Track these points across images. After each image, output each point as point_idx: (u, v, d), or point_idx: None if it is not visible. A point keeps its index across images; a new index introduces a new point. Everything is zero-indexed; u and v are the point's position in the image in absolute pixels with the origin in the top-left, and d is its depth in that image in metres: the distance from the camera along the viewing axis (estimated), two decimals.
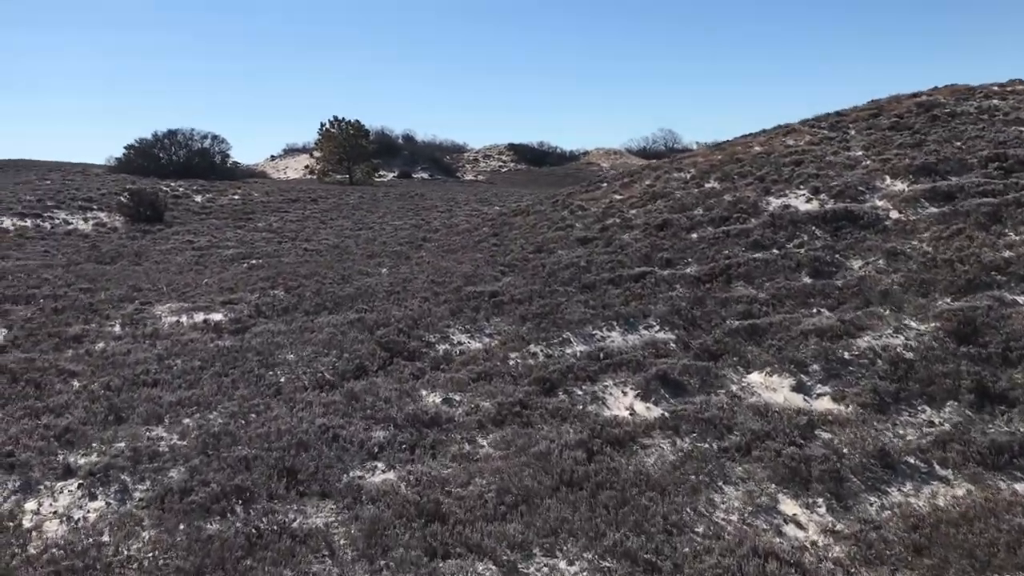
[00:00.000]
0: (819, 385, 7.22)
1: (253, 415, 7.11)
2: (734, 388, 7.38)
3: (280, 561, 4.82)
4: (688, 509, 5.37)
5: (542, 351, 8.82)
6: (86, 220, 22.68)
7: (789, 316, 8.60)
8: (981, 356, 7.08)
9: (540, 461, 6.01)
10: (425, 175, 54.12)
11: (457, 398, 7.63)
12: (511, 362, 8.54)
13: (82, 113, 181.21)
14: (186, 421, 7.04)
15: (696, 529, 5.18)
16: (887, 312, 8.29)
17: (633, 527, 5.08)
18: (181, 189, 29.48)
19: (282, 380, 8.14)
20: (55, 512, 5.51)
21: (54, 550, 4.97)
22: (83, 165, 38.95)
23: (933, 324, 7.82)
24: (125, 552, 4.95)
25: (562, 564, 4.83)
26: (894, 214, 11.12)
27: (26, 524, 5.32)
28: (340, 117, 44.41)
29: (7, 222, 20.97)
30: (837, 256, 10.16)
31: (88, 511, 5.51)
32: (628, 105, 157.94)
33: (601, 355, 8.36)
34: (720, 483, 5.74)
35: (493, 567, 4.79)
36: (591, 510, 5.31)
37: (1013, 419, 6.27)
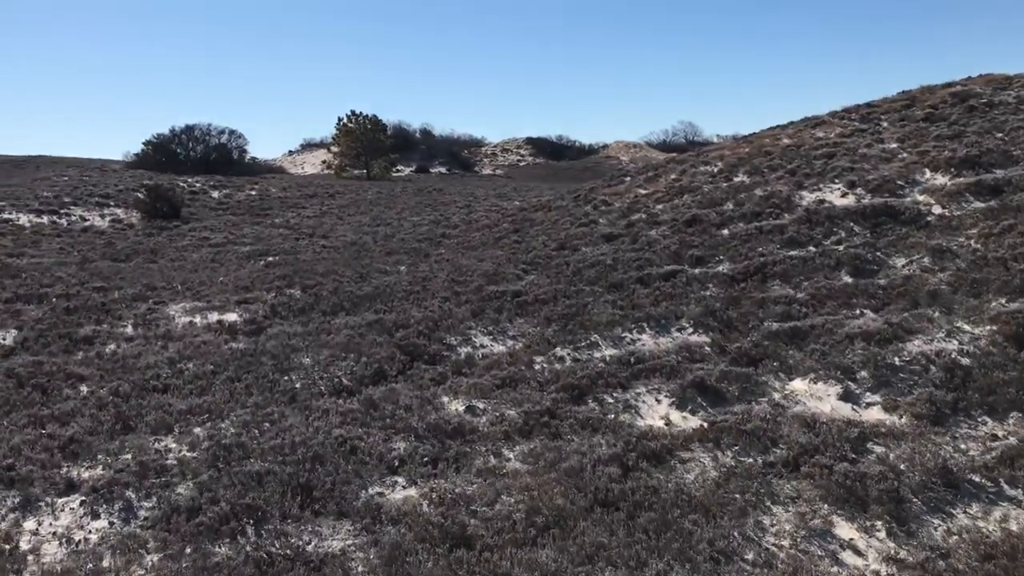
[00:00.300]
0: (868, 393, 6.74)
1: (267, 424, 6.74)
2: (776, 396, 6.92)
3: None
4: (735, 533, 4.93)
5: (569, 355, 8.40)
6: (103, 217, 22.51)
7: (831, 318, 8.11)
8: None
9: (572, 478, 5.59)
10: (443, 169, 53.67)
11: (481, 406, 7.23)
12: (536, 367, 8.13)
13: (101, 110, 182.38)
14: (196, 431, 6.69)
15: (746, 556, 4.74)
16: (937, 314, 7.78)
17: (677, 555, 4.65)
18: (198, 185, 29.28)
19: (297, 386, 7.77)
20: (55, 532, 5.16)
21: None
22: (101, 161, 38.95)
23: (989, 327, 7.30)
24: None
25: None
26: (937, 209, 10.57)
27: (23, 546, 4.98)
28: (358, 111, 44.04)
29: (23, 219, 20.82)
30: (878, 254, 9.64)
31: (90, 531, 5.16)
32: (643, 96, 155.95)
33: (632, 359, 7.92)
34: (768, 503, 5.30)
35: None
36: (630, 534, 4.88)
37: None
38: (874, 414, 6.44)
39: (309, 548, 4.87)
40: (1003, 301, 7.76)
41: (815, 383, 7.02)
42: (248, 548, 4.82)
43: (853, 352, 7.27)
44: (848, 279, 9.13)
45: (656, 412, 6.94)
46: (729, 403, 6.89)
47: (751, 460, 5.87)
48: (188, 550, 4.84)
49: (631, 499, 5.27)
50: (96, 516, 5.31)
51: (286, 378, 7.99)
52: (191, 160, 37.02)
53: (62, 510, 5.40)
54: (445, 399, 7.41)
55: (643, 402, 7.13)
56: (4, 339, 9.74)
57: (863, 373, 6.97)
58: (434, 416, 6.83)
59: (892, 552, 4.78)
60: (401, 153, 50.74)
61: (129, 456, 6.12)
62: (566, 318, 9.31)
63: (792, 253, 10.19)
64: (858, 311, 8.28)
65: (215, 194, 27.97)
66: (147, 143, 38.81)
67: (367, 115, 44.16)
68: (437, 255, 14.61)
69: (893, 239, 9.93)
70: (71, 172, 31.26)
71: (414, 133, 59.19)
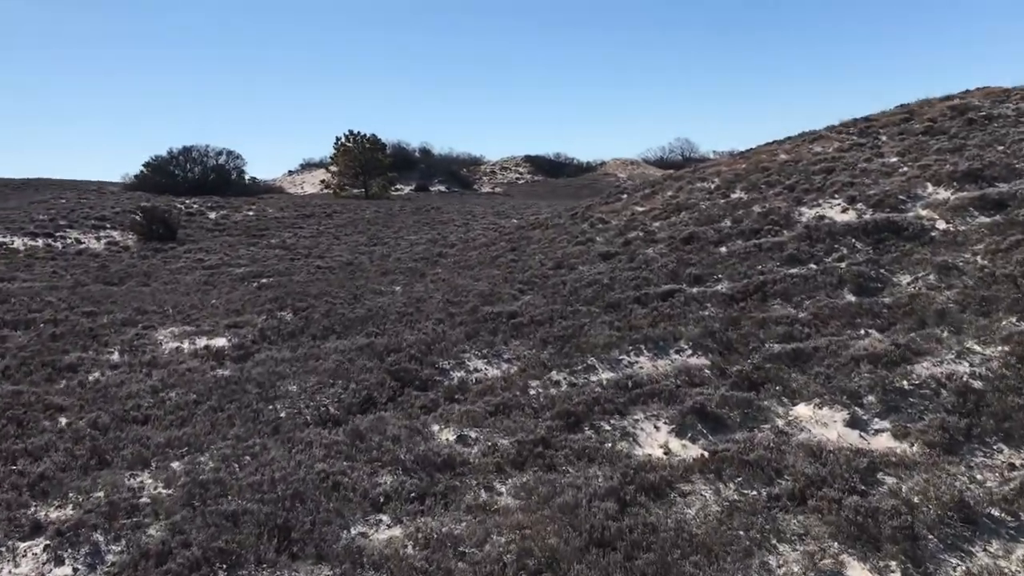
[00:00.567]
0: (876, 419, 6.44)
1: (247, 458, 6.44)
2: (780, 423, 6.62)
3: None
4: None
5: (565, 379, 8.11)
6: (98, 239, 22.31)
7: (835, 339, 7.82)
8: None
9: (566, 515, 5.29)
10: (442, 188, 53.62)
11: (473, 435, 6.93)
12: (531, 392, 7.84)
13: (101, 133, 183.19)
14: (174, 465, 6.40)
15: None
16: (945, 334, 7.48)
17: None
18: (195, 206, 29.11)
19: (282, 415, 7.48)
20: None
21: None
22: (99, 183, 38.90)
23: (1000, 347, 7.01)
24: None
25: None
26: (941, 224, 10.30)
27: None
28: (356, 131, 44.01)
29: (18, 242, 20.63)
30: (882, 271, 9.36)
31: None
32: (640, 114, 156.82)
33: (630, 383, 7.63)
34: (774, 541, 4.99)
35: None
36: None
37: None
38: (883, 442, 6.13)
39: None
40: (1014, 320, 7.47)
41: (820, 408, 6.72)
42: None
43: (859, 375, 6.98)
44: (851, 298, 8.84)
45: (655, 440, 6.64)
46: (731, 430, 6.60)
47: (755, 493, 5.56)
48: None
49: (629, 538, 4.96)
50: (60, 562, 5.00)
51: (270, 407, 7.70)
52: (189, 181, 36.90)
53: (24, 555, 5.08)
54: (435, 428, 7.12)
55: (641, 429, 6.84)
56: None
57: (870, 398, 6.67)
58: (423, 447, 6.54)
59: None
60: (401, 172, 50.69)
61: (101, 494, 5.82)
62: (562, 340, 9.03)
63: (793, 271, 9.91)
64: (863, 331, 7.99)
65: (212, 215, 27.79)
66: (146, 164, 38.72)
67: (365, 134, 44.14)
68: (433, 275, 14.35)
69: (897, 255, 9.66)
70: (69, 195, 31.10)
71: (413, 152, 59.29)
